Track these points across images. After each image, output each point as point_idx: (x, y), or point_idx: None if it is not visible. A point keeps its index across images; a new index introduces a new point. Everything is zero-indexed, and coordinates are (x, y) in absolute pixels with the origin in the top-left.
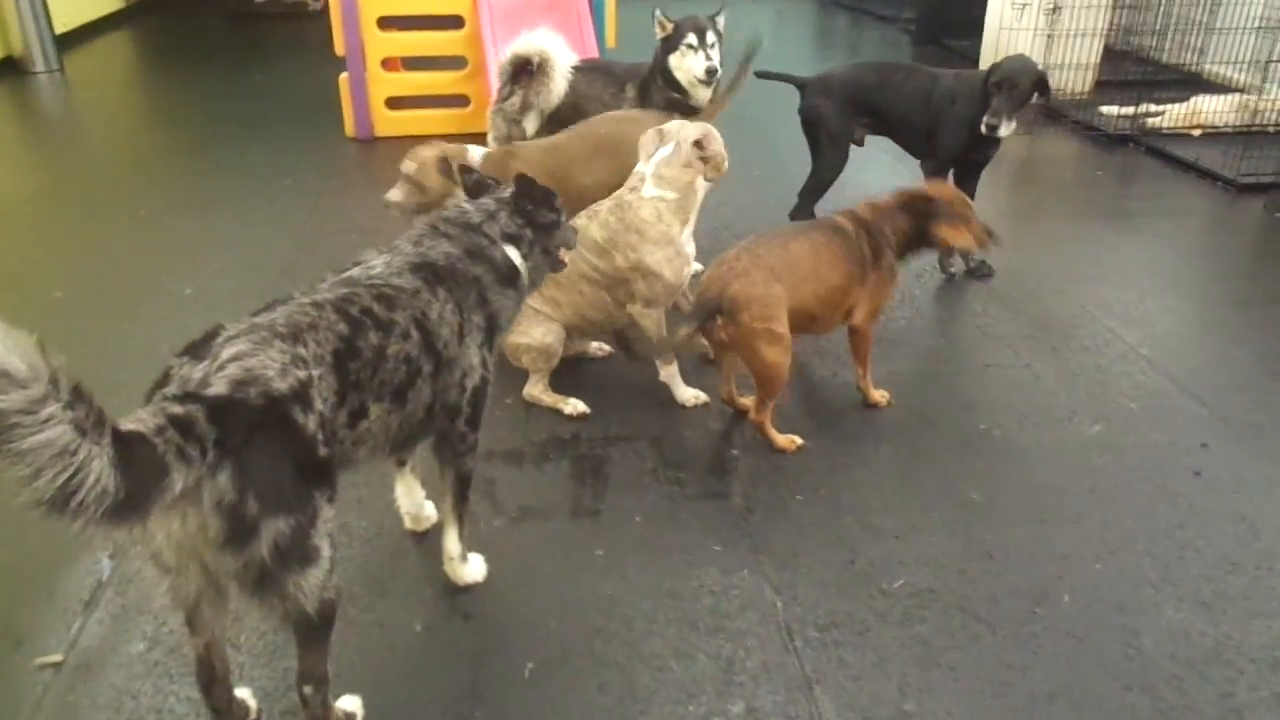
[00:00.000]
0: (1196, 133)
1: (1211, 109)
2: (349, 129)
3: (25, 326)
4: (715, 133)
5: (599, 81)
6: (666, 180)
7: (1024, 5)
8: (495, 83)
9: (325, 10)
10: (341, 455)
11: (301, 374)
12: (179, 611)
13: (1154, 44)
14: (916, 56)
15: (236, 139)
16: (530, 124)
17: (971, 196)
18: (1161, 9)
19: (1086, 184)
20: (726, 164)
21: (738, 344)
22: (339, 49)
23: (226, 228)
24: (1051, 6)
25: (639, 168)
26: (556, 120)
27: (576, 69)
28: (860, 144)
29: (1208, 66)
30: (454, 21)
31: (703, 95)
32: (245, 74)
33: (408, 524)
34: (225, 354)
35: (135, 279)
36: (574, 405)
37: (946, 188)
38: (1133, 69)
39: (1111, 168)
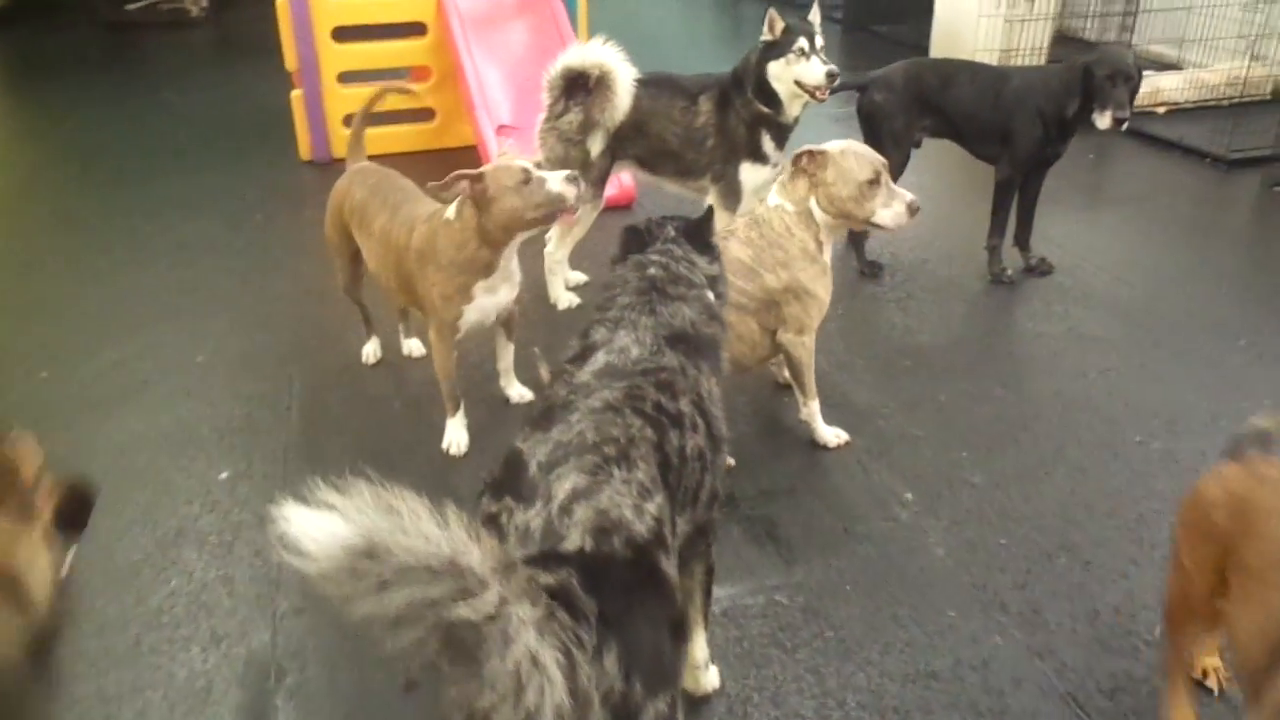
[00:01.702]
0: (1161, 110)
1: (1171, 86)
2: (304, 151)
3: (24, 418)
4: (841, 154)
5: (665, 95)
6: (785, 190)
7: None
8: (544, 98)
9: (209, 18)
10: None
11: (652, 508)
12: None
13: (1087, 25)
14: (847, 45)
15: (175, 170)
16: (595, 145)
17: (1037, 196)
18: None
19: (1080, 168)
20: (852, 203)
21: None
22: (289, 64)
23: (211, 277)
24: None
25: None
26: (619, 138)
27: (640, 82)
28: (917, 146)
29: (1139, 45)
30: (416, 29)
31: (797, 109)
32: (152, 93)
33: None
34: (561, 492)
35: (128, 348)
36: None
37: None
38: (1073, 51)
39: (1091, 148)
